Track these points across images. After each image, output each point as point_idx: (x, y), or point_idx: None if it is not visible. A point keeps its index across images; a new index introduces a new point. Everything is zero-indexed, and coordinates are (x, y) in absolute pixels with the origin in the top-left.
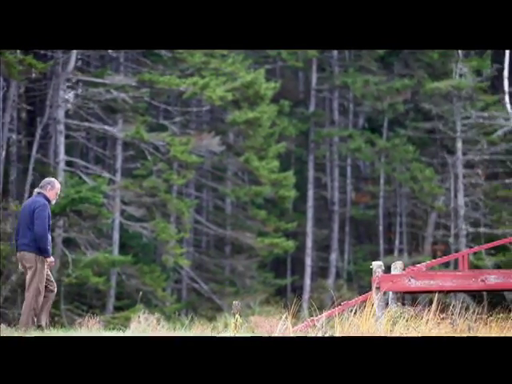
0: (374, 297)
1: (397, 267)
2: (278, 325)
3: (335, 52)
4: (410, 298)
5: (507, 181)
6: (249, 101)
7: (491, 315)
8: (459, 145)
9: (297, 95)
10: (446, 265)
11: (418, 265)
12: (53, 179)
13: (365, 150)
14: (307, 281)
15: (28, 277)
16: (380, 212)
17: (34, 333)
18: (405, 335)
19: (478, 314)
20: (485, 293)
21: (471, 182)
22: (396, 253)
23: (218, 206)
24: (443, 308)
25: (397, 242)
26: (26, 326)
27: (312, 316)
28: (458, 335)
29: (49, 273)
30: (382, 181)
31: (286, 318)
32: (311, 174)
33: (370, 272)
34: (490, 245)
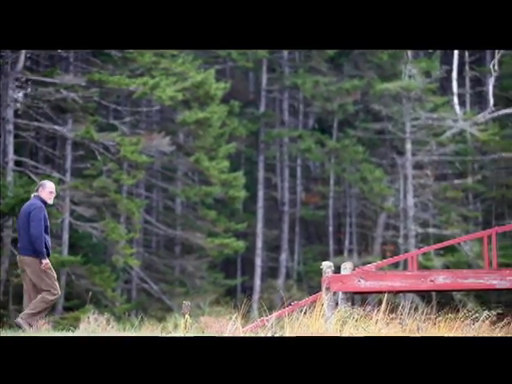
0: (324, 297)
1: (346, 268)
2: (228, 325)
3: (285, 53)
4: (359, 298)
5: (456, 182)
6: (199, 101)
7: (440, 315)
8: (408, 146)
9: (247, 96)
10: (396, 265)
11: (368, 265)
12: (44, 181)
13: (315, 150)
14: (257, 281)
15: (34, 280)
16: (330, 212)
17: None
18: (354, 335)
19: (426, 314)
20: (434, 293)
21: (420, 182)
22: (346, 253)
23: (168, 206)
24: (392, 308)
25: (346, 242)
26: (20, 324)
27: (262, 316)
28: (407, 335)
29: (54, 275)
30: (331, 181)
31: (236, 318)
32: (261, 174)
33: (319, 272)
34: (439, 245)
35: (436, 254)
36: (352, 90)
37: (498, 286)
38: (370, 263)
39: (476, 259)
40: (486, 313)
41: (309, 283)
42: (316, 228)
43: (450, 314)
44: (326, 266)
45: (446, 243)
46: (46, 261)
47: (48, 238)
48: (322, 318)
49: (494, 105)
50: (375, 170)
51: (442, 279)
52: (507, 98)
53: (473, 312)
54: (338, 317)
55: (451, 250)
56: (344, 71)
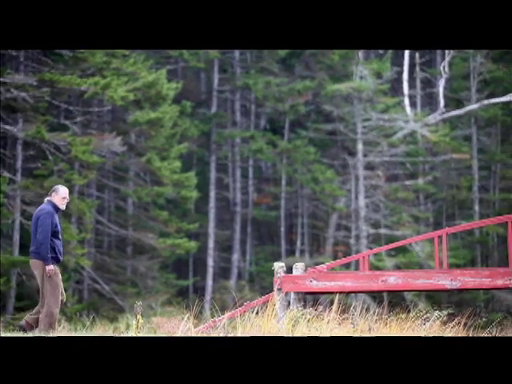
0: (276, 297)
1: (298, 268)
2: (180, 326)
3: (237, 53)
4: (311, 298)
5: (407, 182)
6: (150, 101)
7: (391, 315)
8: (360, 146)
9: (199, 96)
10: (347, 266)
11: (320, 266)
12: (57, 185)
13: (266, 151)
14: (209, 282)
15: (39, 284)
16: (282, 213)
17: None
18: (306, 335)
19: (378, 314)
20: (385, 293)
21: (372, 183)
22: (297, 254)
23: (120, 206)
24: (344, 308)
25: (298, 242)
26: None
27: (214, 317)
28: (359, 335)
29: (61, 286)
30: (283, 182)
31: (188, 318)
32: (213, 174)
33: (271, 273)
34: (390, 246)
35: (387, 254)
36: (303, 91)
37: (448, 287)
38: (321, 264)
39: (427, 260)
40: (436, 313)
41: (261, 284)
42: (268, 228)
43: (401, 314)
44: (278, 266)
45: (397, 244)
46: (49, 267)
47: (58, 243)
48: (274, 319)
49: (445, 106)
50: (327, 171)
51: (393, 280)
52: (457, 99)
53: (424, 312)
54: (289, 317)
55: (402, 250)
56: (295, 72)
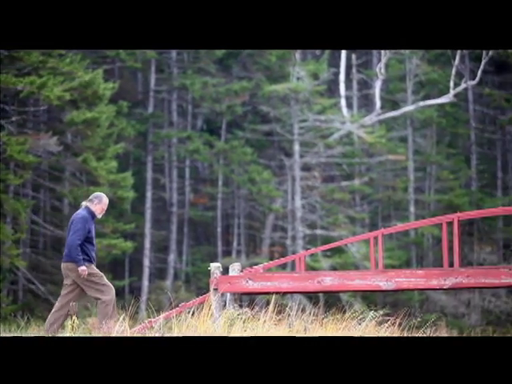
0: (212, 298)
1: (234, 269)
2: (116, 326)
3: (174, 53)
4: (247, 299)
5: (343, 183)
6: (87, 101)
7: (327, 316)
8: (296, 147)
9: (135, 96)
10: (283, 266)
11: (256, 266)
12: (102, 194)
13: (203, 151)
14: (145, 282)
15: (80, 285)
16: (218, 213)
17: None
18: (242, 335)
19: (314, 314)
20: (321, 294)
21: (308, 184)
22: (234, 254)
23: (56, 206)
24: (280, 309)
25: (235, 243)
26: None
27: (150, 317)
28: (295, 335)
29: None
30: (220, 182)
31: (124, 319)
32: (149, 175)
33: (208, 273)
34: (326, 247)
35: (323, 255)
36: (240, 92)
37: (383, 287)
38: (258, 264)
39: (362, 260)
40: (372, 313)
41: (197, 284)
42: (204, 229)
43: (336, 315)
44: (214, 267)
45: (333, 244)
46: (81, 268)
47: (91, 248)
48: (209, 319)
49: (381, 107)
50: (263, 172)
51: (329, 280)
52: (393, 100)
53: (359, 312)
54: (225, 318)
55: (338, 251)
56: (232, 73)
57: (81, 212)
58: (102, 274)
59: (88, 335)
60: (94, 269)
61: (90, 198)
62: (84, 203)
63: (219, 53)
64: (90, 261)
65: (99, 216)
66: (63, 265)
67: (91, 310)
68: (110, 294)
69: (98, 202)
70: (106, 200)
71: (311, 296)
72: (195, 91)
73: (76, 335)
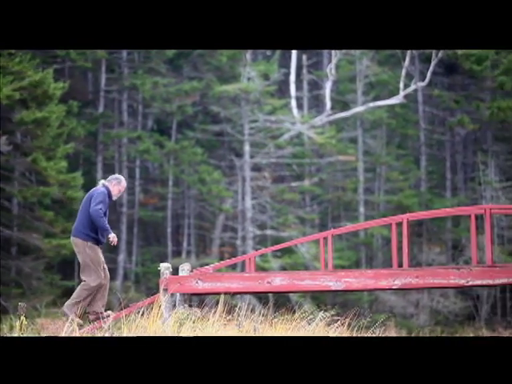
0: (162, 298)
1: (184, 269)
2: (65, 327)
3: (124, 53)
4: (197, 299)
5: (293, 184)
6: (37, 100)
7: (276, 316)
8: (247, 148)
9: (86, 96)
10: (233, 267)
11: (206, 267)
12: (121, 176)
13: (153, 151)
14: None
15: (79, 260)
16: (168, 214)
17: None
18: (192, 335)
19: (263, 315)
20: (270, 294)
21: (258, 184)
22: (184, 255)
23: (5, 206)
24: (230, 309)
25: (185, 243)
26: (66, 313)
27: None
28: (244, 335)
29: (103, 261)
30: (170, 183)
31: (73, 320)
32: (100, 175)
33: (157, 274)
34: (276, 247)
35: (273, 255)
36: (191, 92)
37: (333, 288)
38: (208, 265)
39: (312, 261)
40: (321, 314)
41: (147, 284)
42: (154, 229)
43: (286, 315)
44: (164, 267)
45: (283, 245)
46: (112, 234)
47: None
48: (159, 320)
49: (331, 108)
50: (214, 172)
51: (278, 281)
52: (343, 101)
53: (309, 313)
54: (175, 318)
55: (288, 251)
56: (183, 73)
57: (100, 188)
58: (102, 260)
59: (37, 335)
60: (99, 253)
61: (109, 178)
62: (102, 181)
63: (170, 53)
64: (99, 240)
65: (115, 198)
66: (71, 238)
67: (40, 311)
68: (96, 282)
69: (116, 184)
70: (124, 183)
71: (261, 296)
72: (146, 91)
73: (24, 335)
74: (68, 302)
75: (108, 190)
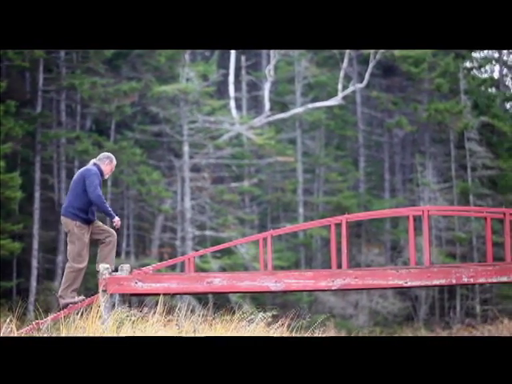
0: (101, 299)
1: (124, 270)
2: (2, 328)
3: (62, 53)
4: (137, 300)
5: (233, 185)
6: None
7: (216, 317)
8: (186, 148)
9: (23, 95)
10: (173, 267)
11: (145, 267)
12: (111, 155)
13: (92, 152)
14: (33, 283)
15: (67, 240)
16: None
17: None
18: (131, 336)
19: (203, 315)
20: (210, 295)
21: (197, 185)
22: (123, 255)
23: None
24: (169, 310)
25: (124, 244)
26: (64, 302)
27: (37, 319)
28: (184, 336)
29: (100, 224)
30: (109, 183)
31: (11, 321)
32: (38, 175)
33: (96, 274)
34: (216, 248)
35: (213, 256)
36: (130, 92)
37: (273, 289)
38: (147, 265)
39: (252, 262)
40: (261, 314)
41: (86, 285)
42: None
43: (226, 316)
44: (103, 268)
45: (222, 246)
46: (117, 218)
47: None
48: (98, 320)
49: (270, 109)
50: (153, 172)
51: (218, 281)
52: (282, 102)
53: (248, 314)
54: (114, 319)
55: (228, 252)
56: (122, 73)
57: (92, 168)
58: (88, 242)
59: None
60: (86, 234)
61: (100, 157)
62: (93, 161)
63: (108, 53)
64: (89, 219)
65: (106, 177)
66: (62, 218)
67: None
68: (82, 264)
69: (108, 163)
70: (115, 162)
71: (200, 297)
72: (84, 91)
73: None
74: (61, 290)
75: (100, 170)
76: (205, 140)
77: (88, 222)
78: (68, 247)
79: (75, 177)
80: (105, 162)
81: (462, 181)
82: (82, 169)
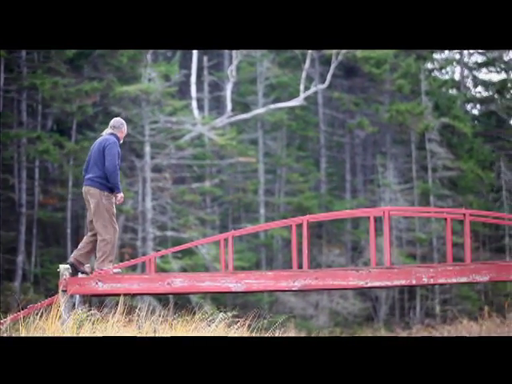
0: (61, 300)
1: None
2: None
3: (23, 52)
4: (97, 300)
5: (194, 185)
6: None
7: (177, 317)
8: (147, 149)
9: None
10: (134, 268)
11: (105, 268)
12: (122, 120)
13: (53, 152)
14: None
15: (92, 212)
16: (68, 215)
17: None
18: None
19: (163, 316)
20: (171, 295)
21: (159, 185)
22: None
23: None
24: (130, 311)
25: None
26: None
27: None
28: (144, 336)
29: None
30: (70, 183)
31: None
32: None
33: (57, 275)
34: (177, 248)
35: (174, 256)
36: (91, 92)
37: (233, 289)
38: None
39: (213, 262)
40: (221, 315)
41: (46, 286)
42: (54, 230)
43: (186, 317)
44: (64, 268)
45: (183, 246)
46: (120, 194)
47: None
48: (58, 321)
49: (232, 110)
50: None
51: (179, 282)
52: (244, 103)
53: (209, 314)
54: (74, 319)
55: (189, 253)
56: (83, 73)
57: (110, 137)
58: (115, 212)
59: None
60: (113, 205)
61: (114, 124)
62: (108, 130)
63: (70, 53)
64: (113, 192)
65: (121, 142)
66: (85, 188)
67: None
68: (113, 234)
69: (123, 128)
70: (126, 125)
71: (161, 297)
72: (45, 91)
73: None
74: (98, 263)
75: (116, 137)
76: (166, 140)
77: (113, 191)
78: (96, 222)
79: (95, 148)
80: (121, 129)
81: (423, 182)
82: (100, 139)
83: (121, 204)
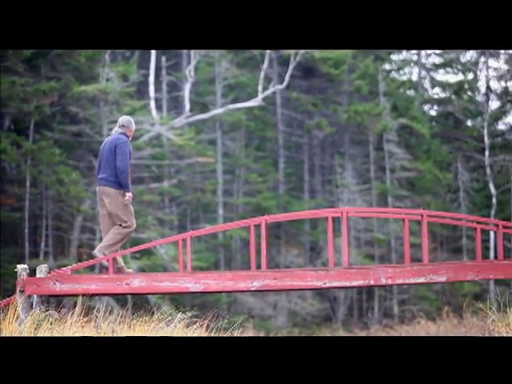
0: (18, 300)
1: (42, 270)
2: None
3: None
4: (55, 301)
5: (152, 185)
6: None
7: (135, 318)
8: None
9: None
10: (92, 268)
11: (64, 268)
12: (130, 118)
13: (11, 151)
14: None
15: (109, 209)
16: (26, 215)
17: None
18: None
19: (122, 316)
20: (129, 296)
21: None
22: (42, 256)
23: None
24: (88, 311)
25: (42, 245)
26: (96, 255)
27: None
28: (102, 336)
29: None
30: (28, 183)
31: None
32: None
33: (15, 275)
34: (135, 248)
35: (132, 257)
36: (49, 92)
37: (192, 289)
38: (66, 266)
39: (171, 262)
40: (180, 315)
41: (3, 286)
42: (11, 230)
43: (145, 317)
44: (21, 268)
45: (142, 246)
46: (129, 194)
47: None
48: (15, 321)
49: (190, 110)
50: (72, 173)
51: (137, 282)
52: (203, 103)
53: (167, 314)
54: (32, 320)
55: (147, 253)
56: (41, 73)
57: (121, 137)
58: (132, 209)
59: None
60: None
61: (123, 123)
62: (117, 129)
63: (27, 52)
64: (128, 189)
65: (129, 139)
66: (100, 188)
67: None
68: (130, 228)
69: (132, 126)
70: (134, 123)
71: (119, 298)
72: (2, 90)
73: None
74: (101, 245)
75: (126, 136)
76: None
77: (129, 188)
78: (115, 218)
79: (106, 147)
80: (130, 127)
81: (381, 182)
82: (110, 138)
83: (127, 203)
